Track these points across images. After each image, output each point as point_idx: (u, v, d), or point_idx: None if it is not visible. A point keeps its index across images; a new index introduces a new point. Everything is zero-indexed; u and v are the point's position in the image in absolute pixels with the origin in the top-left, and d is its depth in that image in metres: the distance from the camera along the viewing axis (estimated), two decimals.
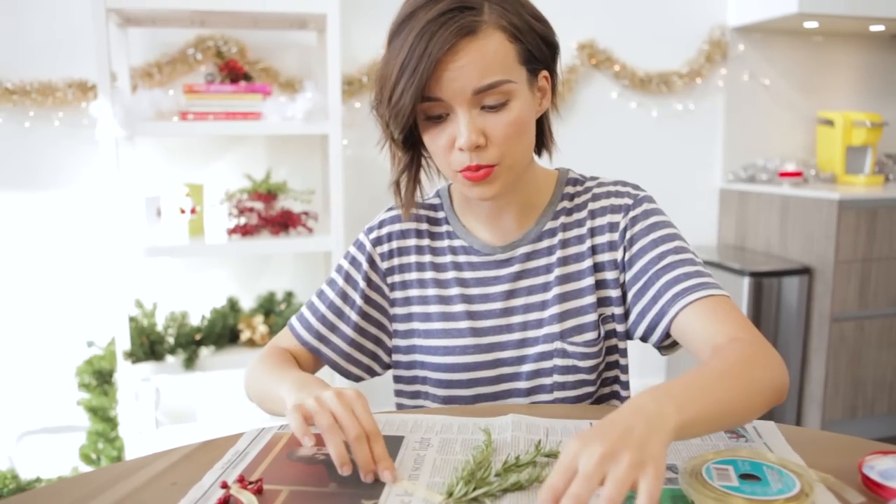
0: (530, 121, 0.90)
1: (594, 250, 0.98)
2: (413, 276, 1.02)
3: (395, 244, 1.02)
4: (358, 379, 1.04)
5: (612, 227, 0.97)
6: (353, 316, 1.01)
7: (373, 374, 1.04)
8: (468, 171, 0.87)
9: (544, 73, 0.92)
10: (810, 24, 2.86)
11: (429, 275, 1.01)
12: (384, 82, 0.86)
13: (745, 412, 0.73)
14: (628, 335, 0.98)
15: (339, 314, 1.01)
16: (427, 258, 1.02)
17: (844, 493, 0.65)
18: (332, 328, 1.01)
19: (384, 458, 0.71)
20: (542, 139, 0.99)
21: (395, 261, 1.02)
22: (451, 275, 1.00)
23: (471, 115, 0.85)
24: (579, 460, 0.57)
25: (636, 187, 1.00)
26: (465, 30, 0.82)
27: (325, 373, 1.03)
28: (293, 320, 1.04)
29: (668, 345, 0.93)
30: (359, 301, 1.01)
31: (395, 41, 0.85)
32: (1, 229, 2.36)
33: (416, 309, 1.01)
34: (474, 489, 0.66)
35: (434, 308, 1.00)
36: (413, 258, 1.02)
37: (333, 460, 0.70)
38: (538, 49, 0.89)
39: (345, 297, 1.01)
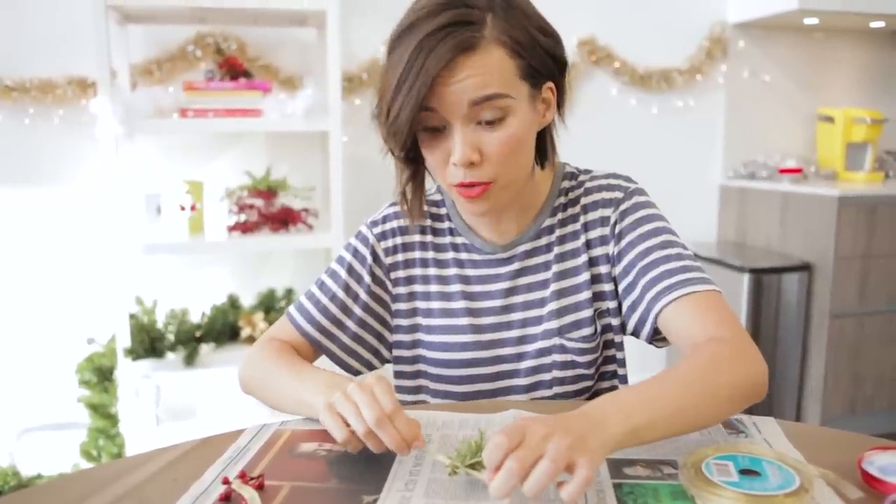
0: (528, 138, 0.89)
1: (588, 245, 0.97)
2: (417, 271, 1.02)
3: (399, 240, 1.02)
4: (356, 373, 1.03)
5: (604, 221, 0.97)
6: (357, 311, 1.00)
7: (371, 368, 1.04)
8: (462, 188, 0.87)
9: (549, 84, 0.90)
10: (810, 21, 2.86)
11: (431, 271, 1.01)
12: (384, 93, 0.84)
13: (706, 417, 0.74)
14: (623, 328, 0.98)
15: (343, 308, 1.00)
16: (430, 254, 1.02)
17: (844, 489, 0.65)
18: (336, 322, 1.00)
19: (409, 433, 0.71)
20: (544, 151, 0.97)
21: (400, 256, 1.02)
22: (452, 271, 1.00)
23: (465, 131, 0.83)
24: (525, 432, 0.61)
25: (628, 180, 0.99)
26: (464, 44, 0.80)
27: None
28: (292, 311, 1.01)
29: (661, 338, 0.93)
30: (363, 296, 1.00)
31: (394, 52, 0.83)
32: (1, 226, 2.36)
33: (419, 304, 1.01)
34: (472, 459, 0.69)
35: (435, 304, 1.00)
36: (417, 254, 1.02)
37: (373, 450, 0.73)
38: (542, 63, 0.86)
39: (348, 290, 1.00)
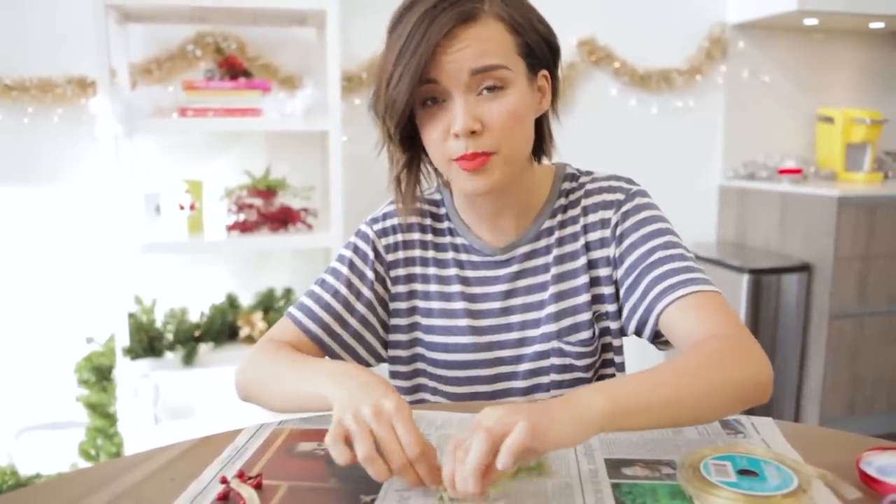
0: (528, 114, 0.89)
1: (588, 247, 0.97)
2: (417, 270, 1.01)
3: (399, 237, 1.01)
4: None
5: (604, 223, 0.96)
6: (360, 307, 0.99)
7: (367, 367, 1.03)
8: (464, 160, 0.86)
9: (544, 72, 0.91)
10: (810, 22, 2.86)
11: (431, 270, 1.01)
12: (383, 70, 0.86)
13: (700, 411, 0.72)
14: (623, 332, 0.97)
15: (346, 304, 0.98)
16: (430, 253, 1.01)
17: (842, 489, 0.65)
18: (338, 318, 0.98)
19: (429, 478, 0.67)
20: (542, 143, 0.98)
21: (400, 254, 1.01)
22: (452, 272, 1.00)
23: (467, 101, 0.84)
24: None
25: (629, 181, 0.98)
26: (464, 15, 0.83)
27: None
28: (293, 310, 0.99)
29: (664, 340, 0.92)
30: (366, 292, 0.99)
31: (395, 30, 0.85)
32: (0, 226, 2.35)
33: (418, 303, 1.01)
34: None
35: (435, 304, 1.00)
36: (417, 252, 1.01)
37: (375, 479, 0.67)
38: (538, 46, 0.88)
39: (350, 286, 0.99)
